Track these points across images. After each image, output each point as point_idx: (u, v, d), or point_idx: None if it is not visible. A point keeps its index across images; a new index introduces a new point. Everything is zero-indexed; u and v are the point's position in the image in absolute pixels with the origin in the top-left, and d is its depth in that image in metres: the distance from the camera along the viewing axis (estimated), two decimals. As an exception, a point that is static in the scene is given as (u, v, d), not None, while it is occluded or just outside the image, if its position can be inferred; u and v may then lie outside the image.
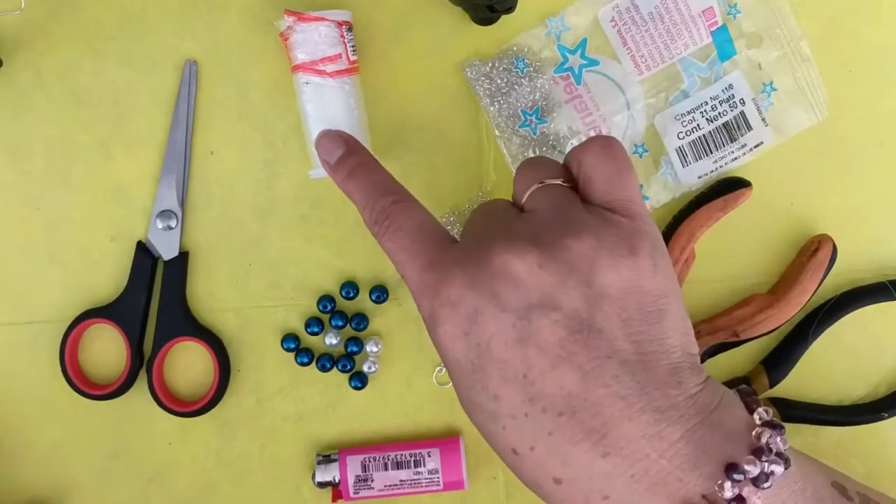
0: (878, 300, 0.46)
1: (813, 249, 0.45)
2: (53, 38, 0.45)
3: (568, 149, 0.45)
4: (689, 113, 0.45)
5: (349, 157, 0.38)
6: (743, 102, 0.45)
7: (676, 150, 0.45)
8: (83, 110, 0.45)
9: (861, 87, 0.46)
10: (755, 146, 0.45)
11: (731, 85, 0.45)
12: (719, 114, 0.45)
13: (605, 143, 0.34)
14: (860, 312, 0.46)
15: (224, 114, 0.46)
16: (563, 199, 0.33)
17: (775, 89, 0.45)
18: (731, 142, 0.45)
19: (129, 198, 0.46)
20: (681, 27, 0.44)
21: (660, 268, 0.31)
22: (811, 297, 0.45)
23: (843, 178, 0.47)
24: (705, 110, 0.45)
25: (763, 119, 0.45)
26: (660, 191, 0.46)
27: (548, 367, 0.29)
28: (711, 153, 0.45)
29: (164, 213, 0.45)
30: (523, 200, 0.34)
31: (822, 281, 0.45)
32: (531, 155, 0.45)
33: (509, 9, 0.43)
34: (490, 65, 0.45)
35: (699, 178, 0.46)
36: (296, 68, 0.42)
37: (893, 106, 0.46)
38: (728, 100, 0.45)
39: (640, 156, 0.46)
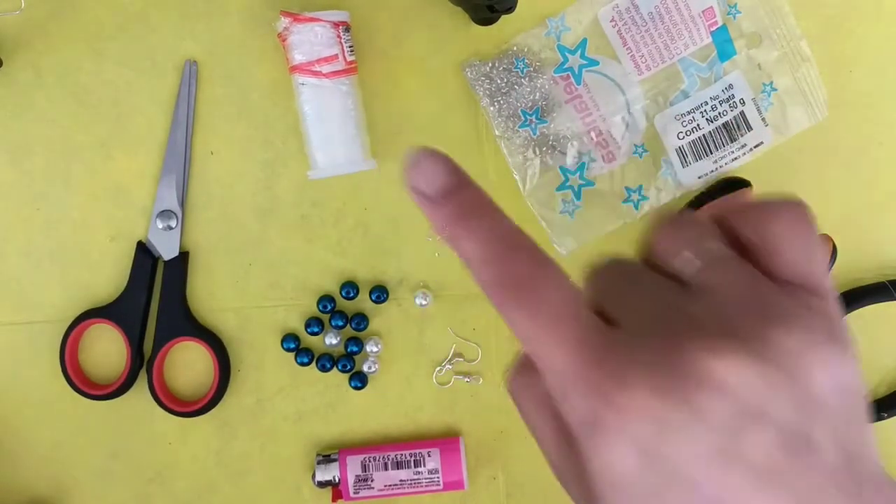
0: (878, 300, 0.46)
1: (813, 249, 0.45)
2: (53, 38, 0.45)
3: (569, 149, 0.45)
4: (689, 113, 0.45)
5: (460, 192, 0.29)
6: (743, 102, 0.45)
7: (676, 150, 0.45)
8: (83, 110, 0.45)
9: (861, 87, 0.46)
10: (755, 146, 0.45)
11: (731, 85, 0.45)
12: (719, 114, 0.45)
13: (799, 211, 0.29)
14: (860, 312, 0.46)
15: (224, 114, 0.46)
16: (749, 275, 0.27)
17: (775, 89, 0.45)
18: (731, 142, 0.45)
19: (129, 198, 0.46)
20: (681, 27, 0.44)
21: (856, 359, 0.26)
22: (811, 297, 0.45)
23: (843, 178, 0.47)
24: (705, 110, 0.45)
25: (763, 119, 0.45)
26: (660, 191, 0.46)
27: (752, 491, 0.25)
28: (711, 153, 0.45)
29: (164, 213, 0.45)
30: (688, 271, 0.27)
31: (821, 281, 0.45)
32: (531, 155, 0.45)
33: (509, 9, 0.43)
34: (490, 65, 0.45)
35: (699, 178, 0.46)
36: (293, 69, 0.42)
37: (893, 106, 0.46)
38: (728, 100, 0.45)
39: (640, 156, 0.46)
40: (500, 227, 0.29)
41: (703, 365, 0.24)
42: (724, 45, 0.45)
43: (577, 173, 0.46)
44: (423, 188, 0.29)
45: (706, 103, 0.45)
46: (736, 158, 0.46)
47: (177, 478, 0.47)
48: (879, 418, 0.46)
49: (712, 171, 0.46)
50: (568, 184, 0.46)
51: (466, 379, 0.47)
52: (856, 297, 0.46)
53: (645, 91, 0.45)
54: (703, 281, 0.26)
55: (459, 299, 0.47)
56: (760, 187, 0.45)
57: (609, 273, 0.28)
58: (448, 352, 0.47)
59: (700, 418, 0.24)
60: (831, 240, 0.45)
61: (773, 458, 0.24)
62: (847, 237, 0.46)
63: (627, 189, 0.46)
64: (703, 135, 0.45)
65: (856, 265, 0.47)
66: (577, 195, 0.46)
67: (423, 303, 0.46)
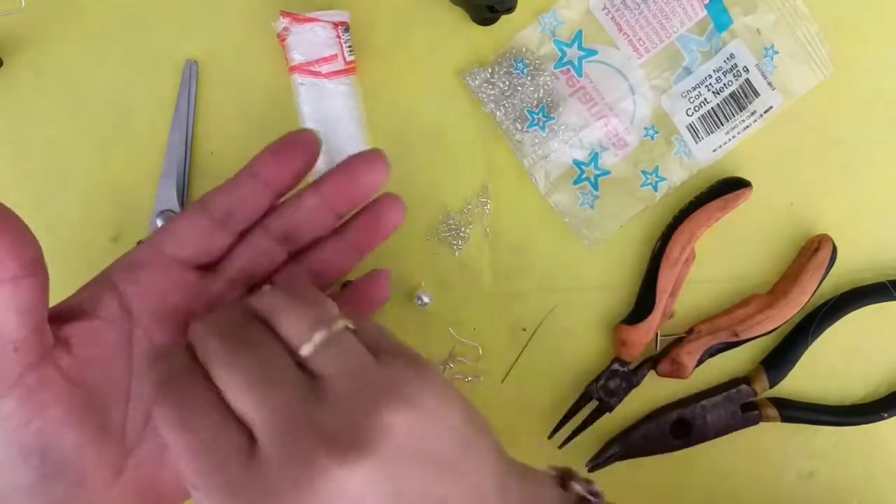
0: (878, 300, 0.46)
1: (813, 249, 0.45)
2: (53, 38, 0.45)
3: (580, 142, 0.45)
4: (694, 89, 0.45)
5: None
6: (747, 70, 0.45)
7: (687, 126, 0.45)
8: (83, 110, 0.45)
9: (862, 87, 0.46)
10: (765, 111, 0.45)
11: (732, 54, 0.45)
12: (725, 85, 0.45)
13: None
14: (860, 312, 0.46)
15: (224, 114, 0.46)
16: (358, 358, 0.29)
17: (777, 52, 0.45)
18: (741, 110, 0.45)
19: (129, 198, 0.46)
20: (674, 4, 0.44)
21: (448, 391, 0.30)
22: (811, 297, 0.45)
23: (844, 177, 0.47)
24: (710, 83, 0.45)
25: (769, 83, 0.45)
26: (676, 170, 0.46)
27: None
28: (723, 125, 0.45)
29: (164, 213, 0.45)
30: (313, 361, 0.29)
31: (821, 281, 0.45)
32: (543, 153, 0.45)
33: (509, 9, 0.43)
34: (490, 70, 0.45)
35: (714, 151, 0.46)
36: (292, 69, 0.42)
37: (893, 106, 0.46)
38: (731, 70, 0.45)
39: (652, 138, 0.46)
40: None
41: (328, 476, 0.26)
42: (719, 16, 0.45)
43: (592, 164, 0.46)
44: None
45: (710, 76, 0.45)
46: (748, 126, 0.46)
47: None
48: (880, 418, 0.46)
49: (726, 142, 0.46)
50: (584, 176, 0.46)
51: (467, 379, 0.47)
52: (856, 297, 0.46)
53: (647, 73, 0.45)
54: (322, 370, 0.28)
55: (459, 299, 0.47)
56: (760, 187, 0.45)
57: (249, 372, 0.28)
58: (448, 352, 0.47)
59: None
60: (831, 240, 0.45)
61: None
62: (847, 237, 0.46)
63: (644, 172, 0.46)
64: (712, 108, 0.45)
65: (856, 265, 0.47)
66: (595, 186, 0.46)
67: (424, 302, 0.46)
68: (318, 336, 0.29)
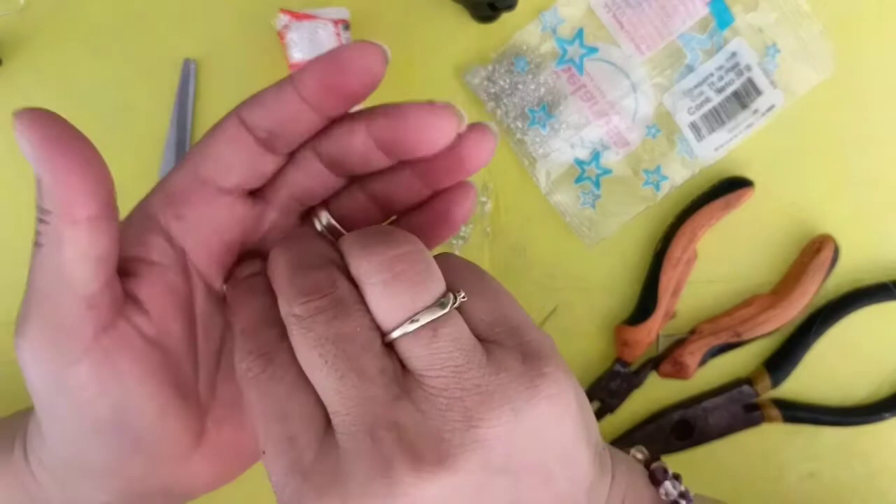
0: (880, 300, 0.46)
1: (815, 250, 0.45)
2: (53, 38, 0.45)
3: (581, 140, 0.45)
4: (696, 87, 0.45)
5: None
6: (749, 68, 0.45)
7: (689, 125, 0.45)
8: (82, 109, 0.45)
9: (864, 86, 0.46)
10: (767, 110, 0.45)
11: (734, 53, 0.45)
12: (727, 83, 0.45)
13: (474, 266, 0.28)
14: (862, 313, 0.46)
15: (223, 113, 0.45)
16: (460, 352, 0.25)
17: (779, 50, 0.45)
18: (743, 109, 0.45)
19: (130, 198, 0.46)
20: (675, 2, 0.44)
21: (562, 390, 0.26)
22: (813, 297, 0.45)
23: (846, 178, 0.46)
24: (712, 81, 0.45)
25: (772, 82, 0.45)
26: (678, 169, 0.46)
27: None
28: (725, 123, 0.45)
29: (164, 213, 0.45)
30: (404, 349, 0.25)
31: (824, 281, 0.45)
32: (544, 152, 0.45)
33: (510, 6, 0.43)
34: (491, 68, 0.45)
35: (716, 149, 0.46)
36: (292, 67, 0.42)
37: (894, 106, 0.46)
38: (733, 68, 0.45)
39: (654, 136, 0.46)
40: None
41: (405, 490, 0.23)
42: (721, 14, 0.45)
43: (593, 163, 0.45)
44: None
45: (712, 75, 0.45)
46: (750, 125, 0.45)
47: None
48: (881, 419, 0.46)
49: (728, 141, 0.46)
50: (585, 175, 0.46)
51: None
52: (857, 298, 0.46)
53: (649, 71, 0.45)
54: (415, 364, 0.25)
55: (460, 299, 0.46)
56: (762, 187, 0.45)
57: (328, 348, 0.25)
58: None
59: None
60: (833, 240, 0.45)
61: None
62: (849, 238, 0.46)
63: (646, 171, 0.46)
64: (714, 106, 0.45)
65: (857, 265, 0.46)
66: (596, 185, 0.46)
67: (424, 303, 0.46)
68: (416, 323, 0.24)
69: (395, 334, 0.25)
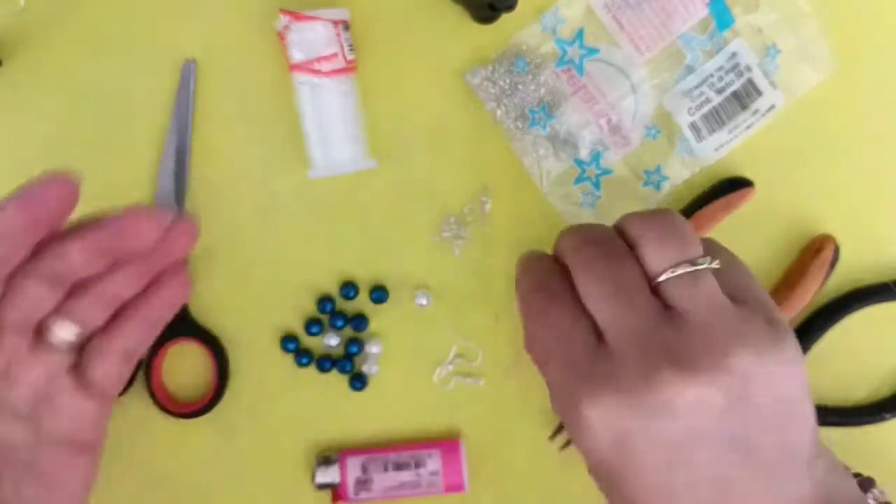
0: (881, 300, 0.46)
1: (815, 249, 0.45)
2: (53, 38, 0.45)
3: (581, 141, 0.45)
4: (696, 87, 0.45)
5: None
6: (749, 69, 0.45)
7: (689, 125, 0.45)
8: (83, 110, 0.45)
9: (864, 86, 0.46)
10: (767, 110, 0.45)
11: (734, 53, 0.45)
12: (727, 84, 0.45)
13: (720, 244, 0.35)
14: (863, 313, 0.46)
15: (224, 113, 0.46)
16: (716, 300, 0.31)
17: (779, 51, 0.45)
18: (743, 109, 0.45)
19: (129, 198, 0.46)
20: (676, 3, 0.44)
21: (797, 364, 0.31)
22: (814, 297, 0.45)
23: (846, 178, 0.46)
24: (712, 82, 0.45)
25: (772, 83, 0.45)
26: (678, 169, 0.46)
27: (697, 483, 0.30)
28: (725, 124, 0.45)
29: (164, 213, 0.45)
30: (670, 291, 0.31)
31: (824, 281, 0.45)
32: (544, 153, 0.45)
33: (510, 7, 0.43)
34: (491, 68, 0.45)
35: (716, 150, 0.46)
36: (292, 68, 0.42)
37: (894, 105, 0.46)
38: (733, 69, 0.45)
39: (654, 137, 0.46)
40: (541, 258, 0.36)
41: (667, 395, 0.29)
42: (721, 15, 0.45)
43: (593, 164, 0.45)
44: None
45: (712, 75, 0.45)
46: (750, 126, 0.45)
47: (175, 480, 0.46)
48: (882, 419, 0.46)
49: (728, 141, 0.46)
50: (585, 175, 0.46)
51: (467, 380, 0.47)
52: (858, 298, 0.46)
53: (649, 72, 0.45)
54: (675, 302, 0.31)
55: (460, 299, 0.46)
56: (763, 187, 0.45)
57: (608, 276, 0.32)
58: (448, 353, 0.47)
59: (657, 436, 0.29)
60: (834, 240, 0.45)
61: (714, 467, 0.29)
62: (850, 237, 0.46)
63: (646, 172, 0.46)
64: (714, 107, 0.45)
65: (858, 265, 0.46)
66: (596, 185, 0.46)
67: (423, 303, 0.46)
68: (681, 269, 0.31)
69: (662, 277, 0.31)
